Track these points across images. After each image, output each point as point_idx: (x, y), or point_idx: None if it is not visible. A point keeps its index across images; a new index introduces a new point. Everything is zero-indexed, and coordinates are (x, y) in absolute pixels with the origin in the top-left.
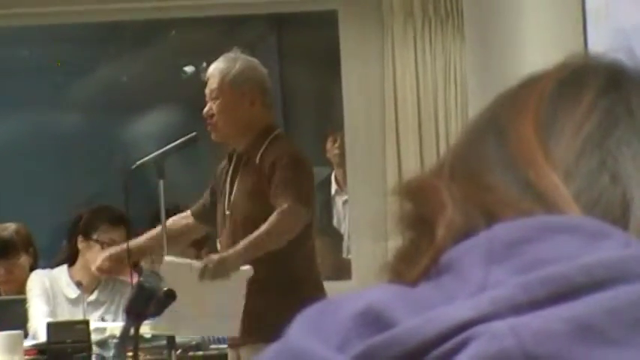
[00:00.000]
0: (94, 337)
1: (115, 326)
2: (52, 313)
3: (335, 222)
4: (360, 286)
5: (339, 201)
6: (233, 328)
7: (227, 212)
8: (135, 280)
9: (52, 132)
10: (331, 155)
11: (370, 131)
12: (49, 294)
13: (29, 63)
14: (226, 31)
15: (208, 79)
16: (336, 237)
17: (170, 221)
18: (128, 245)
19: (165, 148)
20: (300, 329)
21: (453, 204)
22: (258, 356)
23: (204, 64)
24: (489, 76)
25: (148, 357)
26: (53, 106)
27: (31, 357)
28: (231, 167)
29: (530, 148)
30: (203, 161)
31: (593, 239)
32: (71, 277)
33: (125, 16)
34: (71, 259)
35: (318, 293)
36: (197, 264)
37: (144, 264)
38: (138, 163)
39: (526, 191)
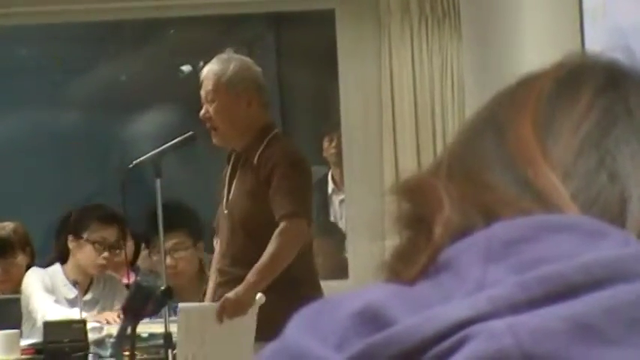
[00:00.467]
0: (91, 336)
1: (112, 326)
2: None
3: (332, 221)
4: (358, 286)
5: (336, 200)
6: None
7: (225, 211)
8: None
9: (50, 131)
10: (328, 154)
11: (367, 130)
12: (50, 291)
13: (27, 61)
14: (224, 30)
15: (203, 81)
16: (339, 236)
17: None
18: (126, 248)
19: (162, 147)
20: (298, 328)
21: (450, 203)
22: (256, 355)
23: (202, 64)
24: (487, 75)
25: (145, 356)
26: (51, 105)
27: (28, 356)
28: (230, 167)
29: (528, 147)
30: (201, 160)
31: (592, 238)
32: (66, 276)
33: (124, 15)
34: (62, 258)
35: (316, 293)
36: (213, 306)
37: (141, 263)
38: (135, 162)
39: (524, 190)
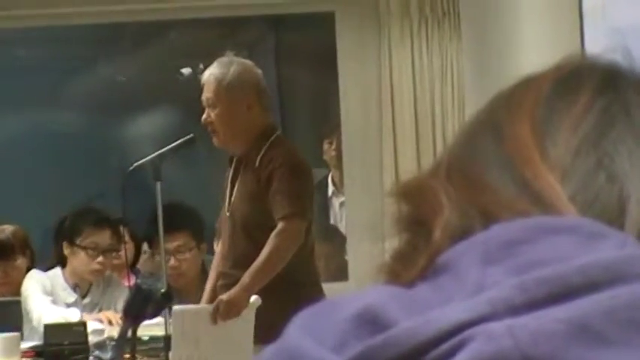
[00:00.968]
0: (92, 338)
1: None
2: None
3: (332, 223)
4: (357, 288)
5: (336, 202)
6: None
7: (227, 214)
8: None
9: (49, 132)
10: (328, 157)
11: (367, 132)
12: (48, 294)
13: (27, 62)
14: (225, 33)
15: (203, 85)
16: (339, 238)
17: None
18: (126, 249)
19: (162, 150)
20: (297, 330)
21: (449, 205)
22: (256, 357)
23: (202, 66)
24: (486, 76)
25: (146, 359)
26: (51, 107)
27: (29, 359)
28: (232, 169)
29: (526, 148)
30: (201, 163)
31: (590, 240)
32: (66, 280)
33: (125, 18)
34: (62, 262)
35: (317, 295)
36: (208, 308)
37: (142, 265)
38: (135, 165)
39: (523, 192)
